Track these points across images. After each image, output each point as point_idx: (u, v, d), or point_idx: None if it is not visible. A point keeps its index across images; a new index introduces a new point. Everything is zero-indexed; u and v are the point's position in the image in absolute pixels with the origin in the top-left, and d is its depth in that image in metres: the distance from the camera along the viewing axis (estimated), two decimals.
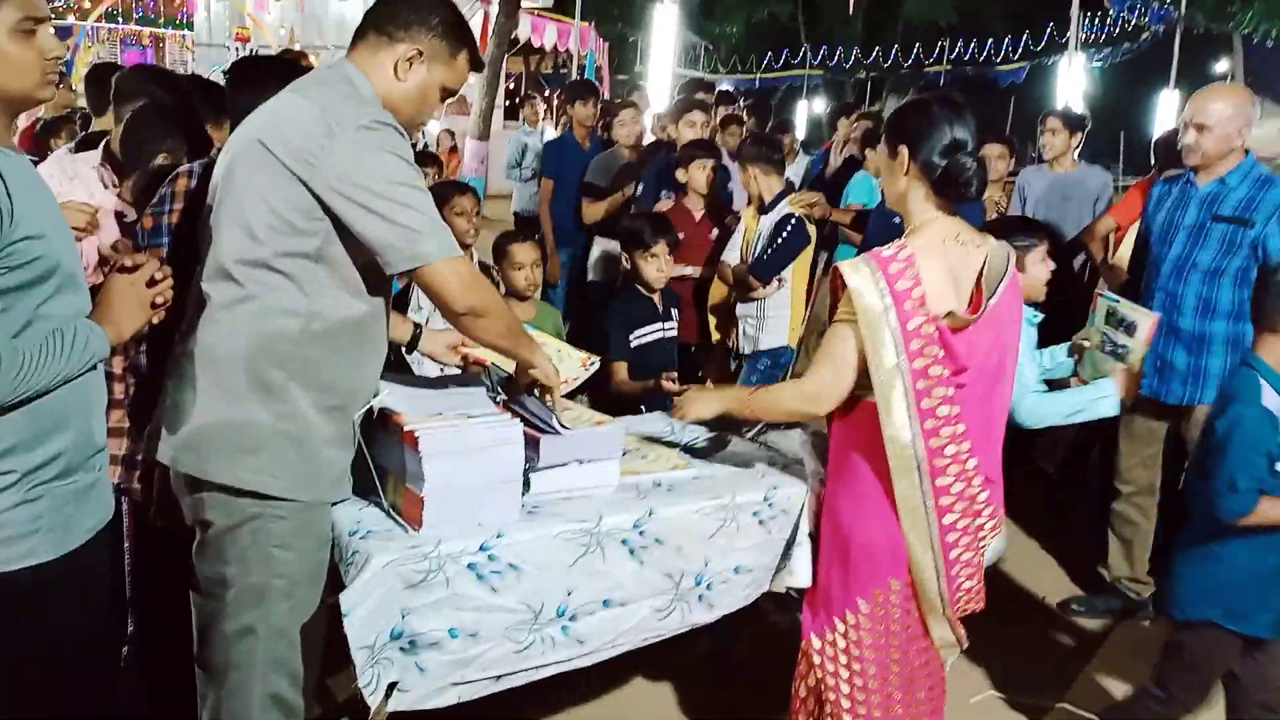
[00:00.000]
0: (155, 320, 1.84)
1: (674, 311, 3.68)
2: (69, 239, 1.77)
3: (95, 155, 2.90)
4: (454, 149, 11.41)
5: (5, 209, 1.57)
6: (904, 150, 2.24)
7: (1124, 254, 4.12)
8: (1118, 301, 2.96)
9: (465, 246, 3.43)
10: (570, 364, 2.85)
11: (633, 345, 3.52)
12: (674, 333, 3.65)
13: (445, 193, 3.53)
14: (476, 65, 2.12)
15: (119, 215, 2.79)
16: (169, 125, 2.70)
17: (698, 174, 4.53)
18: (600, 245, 5.36)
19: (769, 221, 4.15)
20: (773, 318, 4.23)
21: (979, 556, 2.36)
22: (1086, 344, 3.00)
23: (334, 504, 2.09)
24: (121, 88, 2.87)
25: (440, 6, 2.05)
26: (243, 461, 1.94)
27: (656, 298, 3.63)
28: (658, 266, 3.56)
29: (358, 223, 1.87)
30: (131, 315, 1.78)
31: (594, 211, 5.35)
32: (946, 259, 2.20)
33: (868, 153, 5.79)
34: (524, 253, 3.46)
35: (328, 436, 2.01)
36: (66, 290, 1.71)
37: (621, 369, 3.45)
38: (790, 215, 4.15)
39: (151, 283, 1.79)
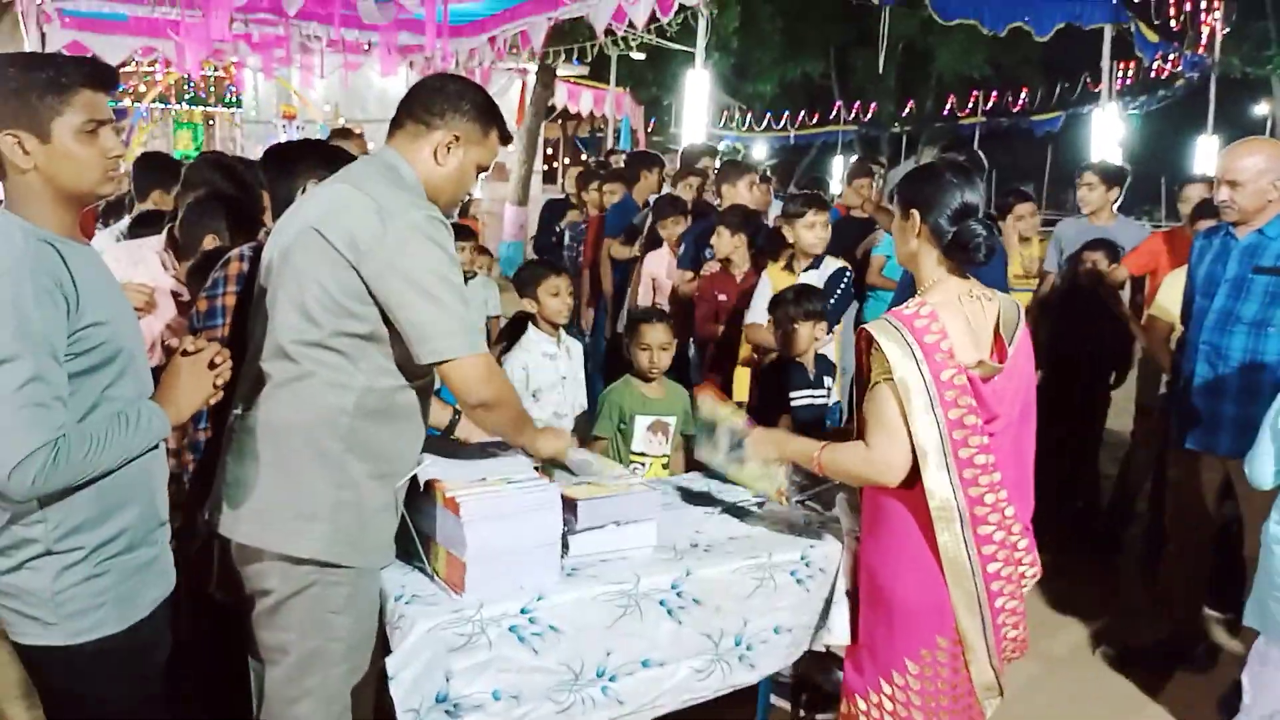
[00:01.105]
0: (214, 401, 1.93)
1: (826, 380, 3.66)
2: (133, 323, 1.88)
3: (159, 240, 3.05)
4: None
5: (72, 299, 1.68)
6: (915, 214, 2.30)
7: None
8: None
9: (556, 326, 3.60)
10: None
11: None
12: (824, 399, 3.62)
13: (539, 273, 3.60)
14: (505, 139, 2.23)
15: (175, 295, 2.93)
16: (219, 210, 2.85)
17: (719, 241, 4.60)
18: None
19: (818, 276, 4.15)
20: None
21: (1022, 604, 2.37)
22: None
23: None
24: (189, 177, 3.02)
25: (469, 90, 2.16)
26: (302, 530, 2.02)
27: (810, 364, 3.63)
28: (811, 335, 3.59)
29: (395, 310, 1.97)
30: (191, 396, 1.87)
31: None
32: (964, 313, 2.26)
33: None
34: (653, 334, 3.42)
35: (379, 504, 2.09)
36: (129, 373, 1.81)
37: (784, 423, 3.44)
38: (844, 269, 4.17)
39: (211, 365, 1.88)
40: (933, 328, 2.20)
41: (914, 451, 2.21)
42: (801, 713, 3.19)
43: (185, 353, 1.87)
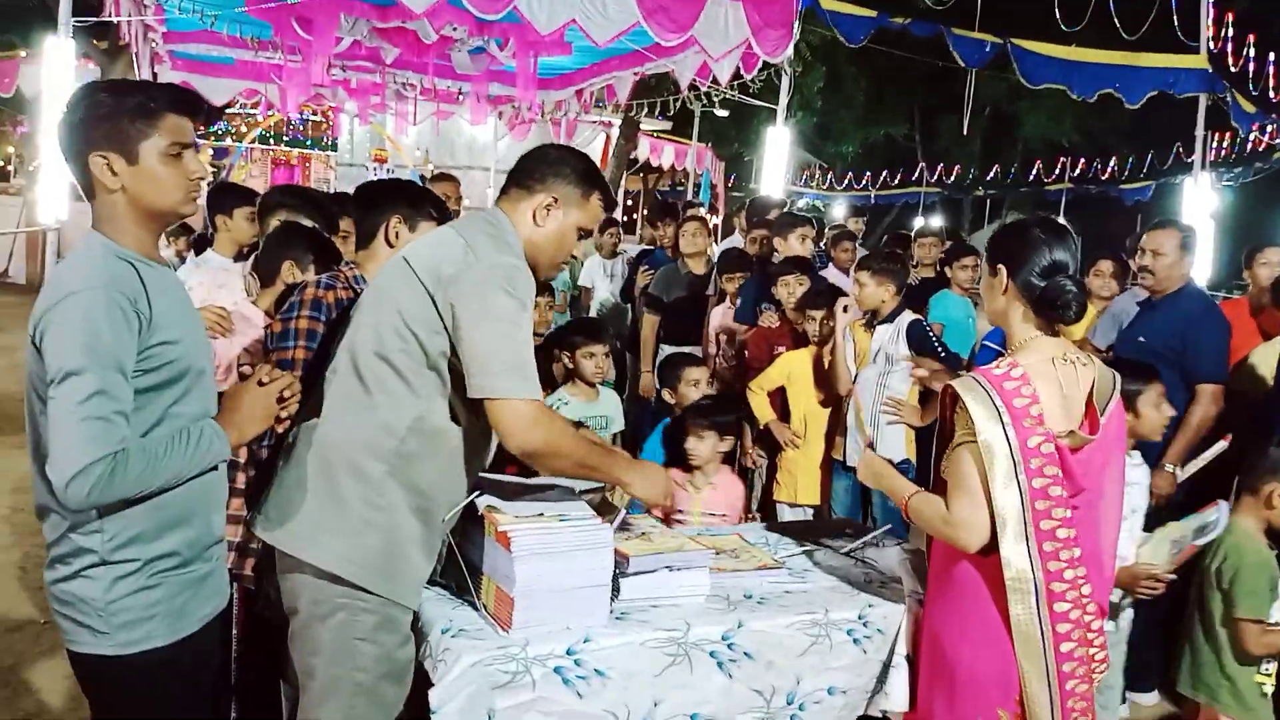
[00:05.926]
0: (279, 430, 1.97)
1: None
2: (203, 344, 1.93)
3: (246, 265, 3.17)
4: None
5: (145, 316, 1.73)
6: (1003, 270, 2.24)
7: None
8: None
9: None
10: None
11: None
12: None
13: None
14: (609, 204, 2.31)
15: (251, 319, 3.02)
16: (296, 240, 2.96)
17: (783, 290, 4.58)
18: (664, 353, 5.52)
19: (892, 330, 4.04)
20: (888, 430, 4.09)
21: (1092, 689, 2.25)
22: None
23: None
24: (263, 202, 3.15)
25: (571, 157, 2.25)
26: (326, 543, 2.04)
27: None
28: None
29: (458, 337, 2.02)
30: (255, 423, 1.91)
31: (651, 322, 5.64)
32: (1057, 378, 2.18)
33: (947, 271, 5.76)
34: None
35: (411, 537, 2.09)
36: (195, 391, 1.85)
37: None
38: (919, 320, 4.08)
39: (280, 397, 1.92)
40: (1023, 390, 2.12)
41: (993, 518, 2.13)
42: None
43: (261, 383, 1.91)
